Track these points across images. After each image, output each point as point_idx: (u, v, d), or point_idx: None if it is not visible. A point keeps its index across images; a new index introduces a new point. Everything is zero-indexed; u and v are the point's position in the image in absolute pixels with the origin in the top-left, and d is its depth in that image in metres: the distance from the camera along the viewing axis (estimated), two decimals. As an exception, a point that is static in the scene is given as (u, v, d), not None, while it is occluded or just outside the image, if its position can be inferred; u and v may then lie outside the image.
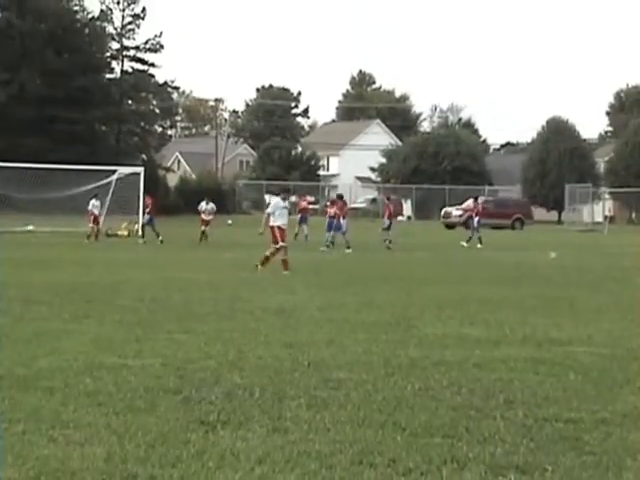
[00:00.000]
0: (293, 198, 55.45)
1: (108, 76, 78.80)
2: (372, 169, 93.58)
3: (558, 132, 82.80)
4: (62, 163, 44.20)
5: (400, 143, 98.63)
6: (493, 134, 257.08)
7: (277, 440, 6.54)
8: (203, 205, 37.34)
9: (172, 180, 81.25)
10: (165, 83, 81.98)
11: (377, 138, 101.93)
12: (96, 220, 36.69)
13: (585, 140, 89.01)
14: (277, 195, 23.22)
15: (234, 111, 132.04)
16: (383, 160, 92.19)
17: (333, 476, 5.82)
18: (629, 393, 8.31)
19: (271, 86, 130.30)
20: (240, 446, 6.36)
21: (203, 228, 36.22)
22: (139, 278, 19.35)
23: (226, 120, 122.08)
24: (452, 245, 37.65)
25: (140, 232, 37.31)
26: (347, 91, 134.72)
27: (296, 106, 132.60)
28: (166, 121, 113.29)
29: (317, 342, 10.80)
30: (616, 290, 18.42)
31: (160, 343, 10.58)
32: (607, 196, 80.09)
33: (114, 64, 79.12)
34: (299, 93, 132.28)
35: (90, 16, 77.84)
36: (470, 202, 66.29)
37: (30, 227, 40.87)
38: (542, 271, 23.75)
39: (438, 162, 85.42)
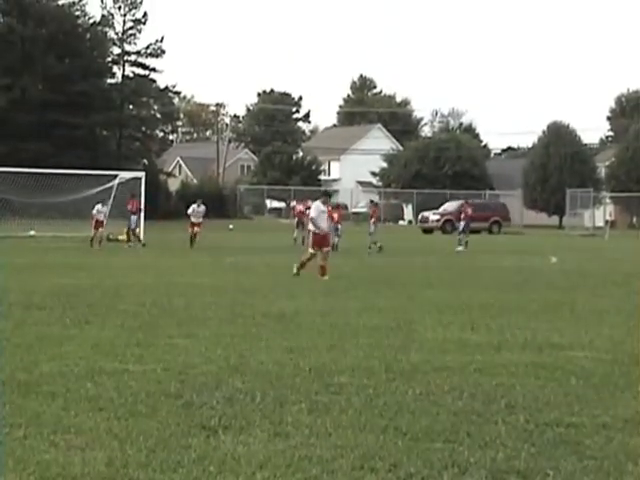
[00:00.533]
0: (293, 202, 55.48)
1: (109, 81, 78.77)
2: (373, 174, 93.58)
3: (559, 137, 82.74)
4: (63, 168, 44.09)
5: (401, 148, 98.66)
6: (494, 139, 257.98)
7: (278, 445, 6.53)
8: (194, 207, 36.31)
9: (173, 185, 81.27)
10: (166, 88, 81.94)
11: (378, 143, 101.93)
12: (100, 225, 36.15)
13: (586, 145, 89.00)
14: (316, 199, 22.69)
15: (235, 116, 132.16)
16: (384, 165, 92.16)
17: (334, 481, 5.82)
18: (630, 398, 8.31)
19: (272, 91, 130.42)
20: (241, 451, 6.35)
21: (193, 231, 35.46)
22: (140, 283, 19.34)
23: (227, 125, 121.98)
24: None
25: (141, 237, 37.23)
26: (348, 96, 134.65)
27: (297, 111, 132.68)
28: (167, 126, 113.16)
29: (318, 347, 10.80)
30: (617, 295, 18.40)
31: (161, 348, 10.58)
32: (608, 201, 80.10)
33: (115, 69, 79.12)
34: (300, 98, 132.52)
35: (91, 21, 77.79)
36: (447, 206, 66.42)
37: (32, 232, 40.80)
38: (543, 276, 23.74)
39: (439, 167, 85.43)
